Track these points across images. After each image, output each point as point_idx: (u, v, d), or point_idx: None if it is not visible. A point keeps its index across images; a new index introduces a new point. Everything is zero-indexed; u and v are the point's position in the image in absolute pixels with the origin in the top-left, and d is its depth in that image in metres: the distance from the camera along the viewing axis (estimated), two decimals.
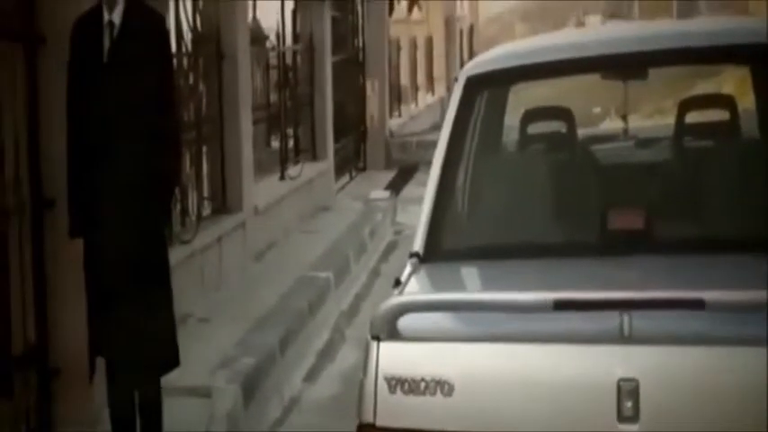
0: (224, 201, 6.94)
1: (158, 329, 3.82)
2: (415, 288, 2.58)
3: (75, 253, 3.93)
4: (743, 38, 2.96)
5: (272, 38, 9.27)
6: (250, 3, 7.98)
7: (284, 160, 9.00)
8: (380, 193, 10.57)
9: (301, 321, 5.93)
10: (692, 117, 3.48)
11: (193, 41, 6.48)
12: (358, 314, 6.44)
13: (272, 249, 7.64)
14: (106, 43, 3.79)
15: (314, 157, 10.12)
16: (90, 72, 3.80)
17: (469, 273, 2.80)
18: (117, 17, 3.79)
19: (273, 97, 9.17)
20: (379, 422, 2.22)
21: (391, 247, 8.66)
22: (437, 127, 4.97)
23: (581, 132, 3.54)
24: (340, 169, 11.40)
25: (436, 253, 2.76)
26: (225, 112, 6.93)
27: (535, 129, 3.35)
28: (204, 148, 6.72)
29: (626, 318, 2.10)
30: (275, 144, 9.15)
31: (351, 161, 12.32)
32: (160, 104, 3.82)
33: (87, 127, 3.80)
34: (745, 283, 2.17)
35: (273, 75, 9.17)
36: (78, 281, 3.92)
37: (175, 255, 4.98)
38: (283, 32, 9.47)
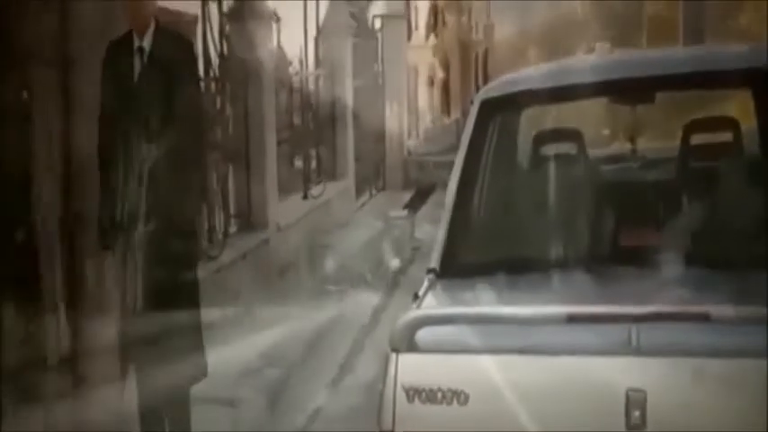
0: (249, 218, 7.09)
1: (186, 341, 3.94)
2: (433, 302, 2.67)
3: (105, 265, 4.06)
4: (745, 62, 3.07)
5: (296, 63, 9.45)
6: (274, 29, 8.15)
7: (307, 180, 9.16)
8: (399, 212, 10.68)
9: (323, 334, 6.06)
10: (697, 139, 3.56)
11: (220, 66, 6.65)
12: (377, 327, 6.53)
13: (294, 265, 7.77)
14: (137, 67, 3.94)
15: (335, 176, 10.26)
16: (121, 95, 3.94)
17: (484, 287, 2.86)
18: (147, 42, 3.95)
19: (297, 120, 9.33)
20: (398, 430, 2.32)
21: (409, 263, 8.74)
22: (453, 148, 5.06)
23: (591, 153, 3.62)
24: (360, 188, 11.53)
25: (453, 268, 2.86)
26: (250, 134, 7.10)
27: (547, 150, 3.43)
28: (231, 168, 6.88)
29: (634, 330, 2.20)
30: (298, 164, 9.31)
31: (370, 180, 12.44)
32: (188, 126, 3.96)
33: (118, 146, 3.94)
34: (748, 297, 2.26)
35: (297, 98, 9.34)
36: (109, 292, 4.06)
37: (203, 269, 5.12)
38: (306, 58, 9.66)
